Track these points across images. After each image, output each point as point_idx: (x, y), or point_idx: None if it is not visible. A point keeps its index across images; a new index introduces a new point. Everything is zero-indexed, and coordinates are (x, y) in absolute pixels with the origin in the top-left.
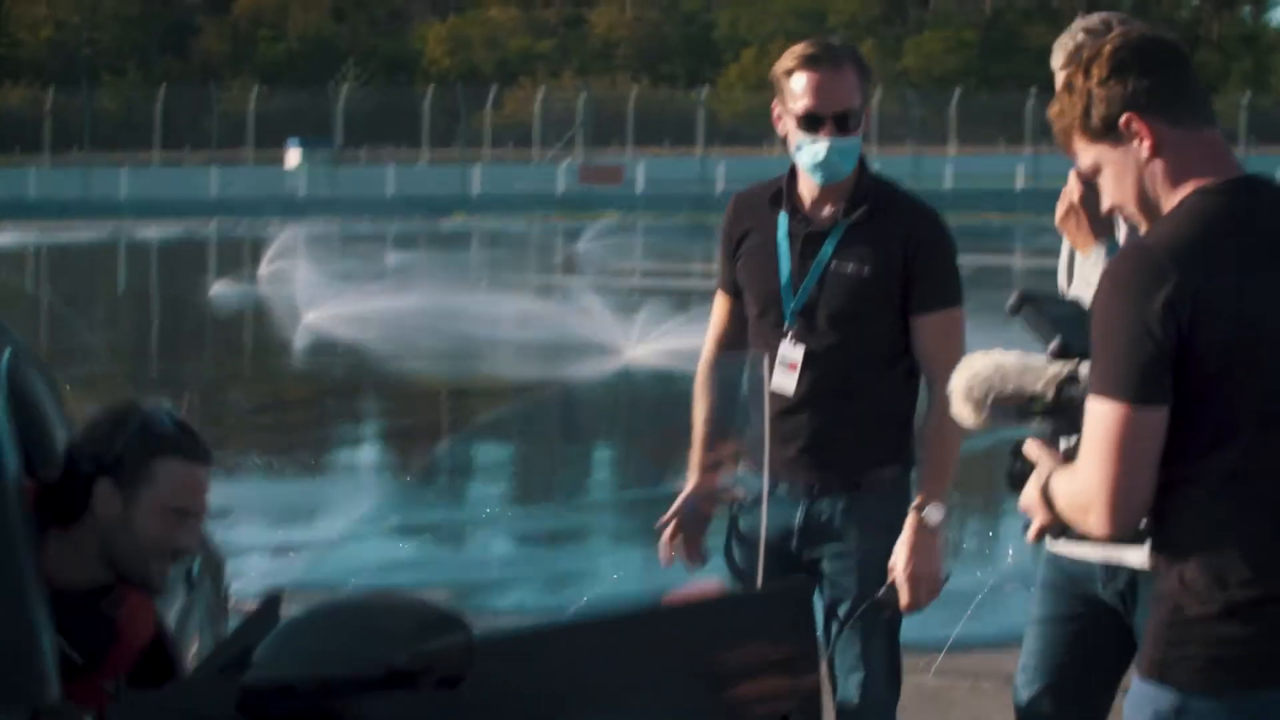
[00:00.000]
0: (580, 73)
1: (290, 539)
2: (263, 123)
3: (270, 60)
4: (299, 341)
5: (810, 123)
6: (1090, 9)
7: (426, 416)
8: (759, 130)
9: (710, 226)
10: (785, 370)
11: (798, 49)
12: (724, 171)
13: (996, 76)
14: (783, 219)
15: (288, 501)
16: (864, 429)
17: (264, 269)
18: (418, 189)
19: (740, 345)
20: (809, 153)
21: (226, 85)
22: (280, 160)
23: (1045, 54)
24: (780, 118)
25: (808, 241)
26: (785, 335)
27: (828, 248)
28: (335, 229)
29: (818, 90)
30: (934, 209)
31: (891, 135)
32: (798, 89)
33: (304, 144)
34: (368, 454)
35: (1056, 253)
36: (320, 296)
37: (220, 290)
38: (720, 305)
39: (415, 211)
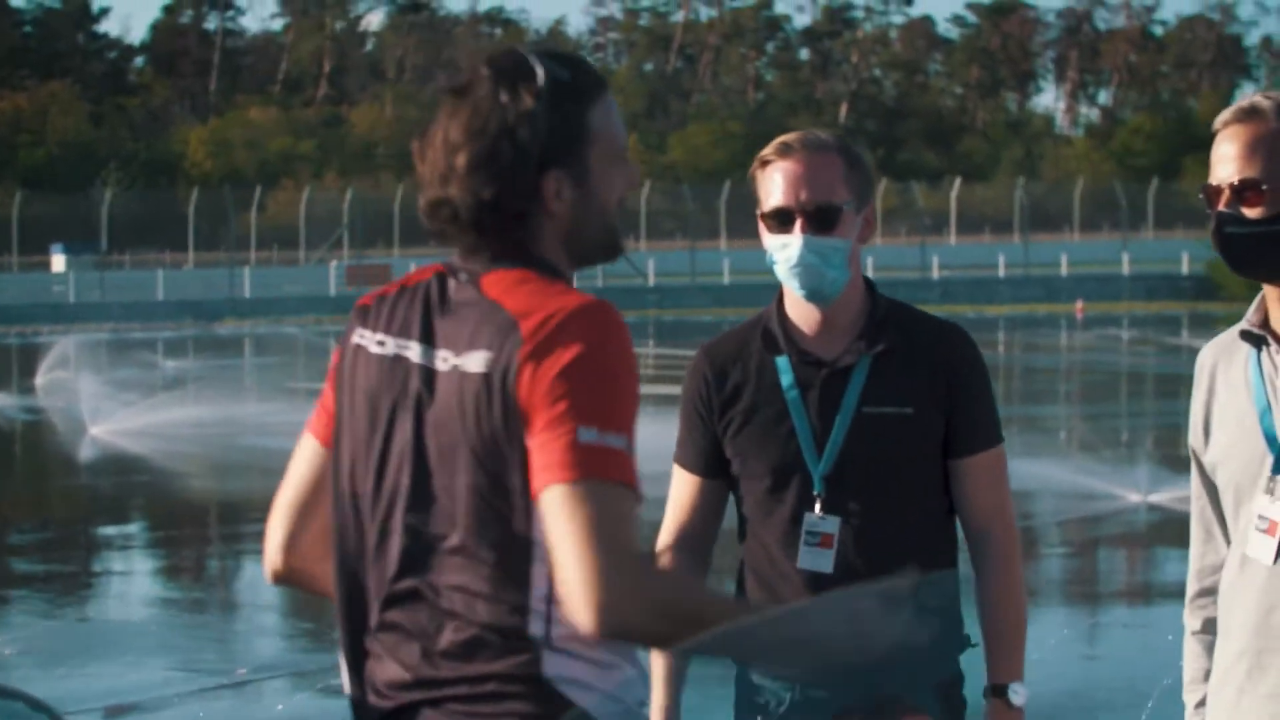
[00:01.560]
0: (343, 173)
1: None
2: (25, 228)
3: (30, 165)
4: (83, 455)
5: (780, 219)
6: (853, 100)
7: (229, 545)
8: None
9: None
10: (816, 548)
11: (775, 141)
12: None
13: None
14: (783, 364)
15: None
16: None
17: (40, 378)
18: (186, 293)
19: (711, 537)
20: (781, 258)
21: None
22: (45, 266)
23: None
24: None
25: (826, 386)
26: (814, 505)
27: (854, 389)
28: (106, 335)
29: (790, 180)
30: (963, 328)
31: (661, 230)
32: (768, 184)
33: (68, 249)
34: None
35: None
36: (101, 409)
37: None
38: (686, 489)
39: (185, 316)
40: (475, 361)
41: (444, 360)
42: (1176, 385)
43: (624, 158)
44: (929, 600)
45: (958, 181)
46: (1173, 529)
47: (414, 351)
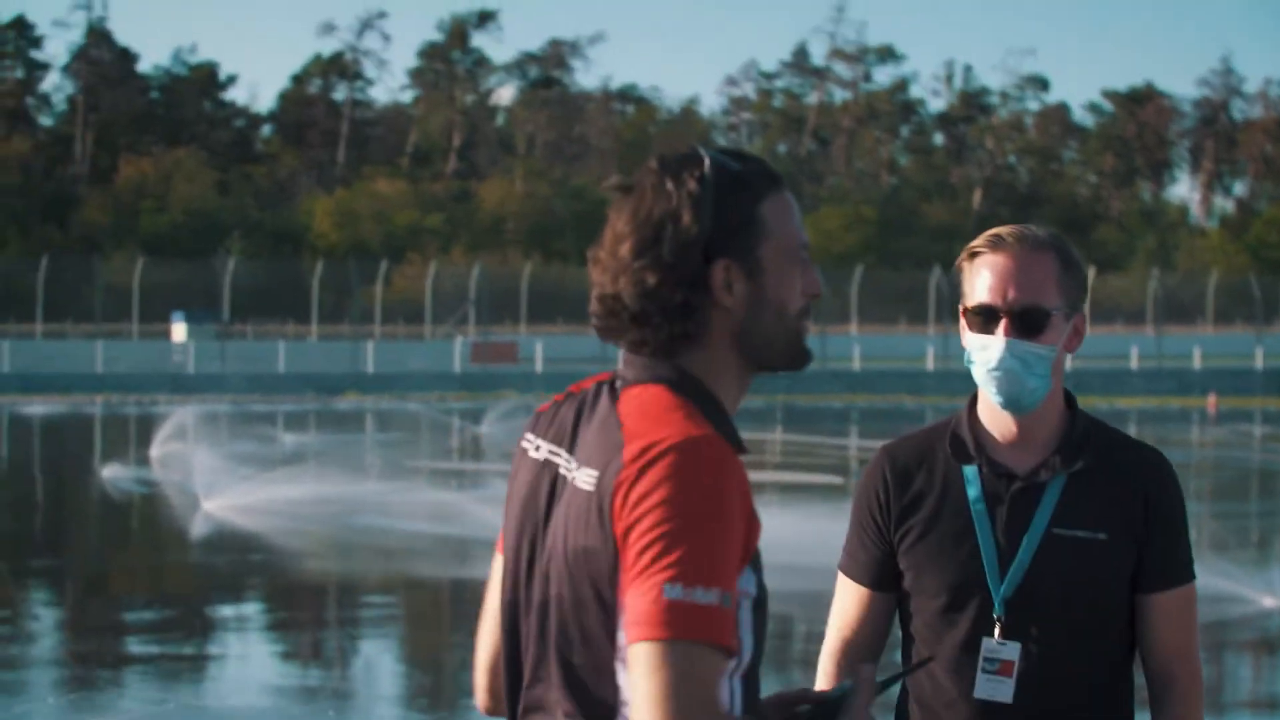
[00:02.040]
0: (470, 248)
1: None
2: (147, 295)
3: (153, 232)
4: (197, 531)
5: (984, 318)
6: (987, 186)
7: (342, 628)
8: None
9: None
10: (995, 676)
11: (986, 233)
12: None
13: (897, 253)
14: (972, 474)
15: None
16: None
17: (156, 450)
18: (308, 366)
19: (878, 651)
20: (980, 360)
21: (109, 257)
22: (165, 334)
23: (943, 231)
24: (964, 332)
25: (1015, 502)
26: (993, 630)
27: (1045, 508)
28: (225, 407)
29: (999, 276)
30: (1163, 454)
31: None
32: (974, 279)
33: (189, 317)
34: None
35: None
36: (217, 483)
37: (112, 474)
38: (852, 602)
39: (307, 389)
40: (586, 478)
41: (570, 470)
42: None
43: (804, 260)
44: None
45: (1092, 271)
46: None
47: (560, 458)
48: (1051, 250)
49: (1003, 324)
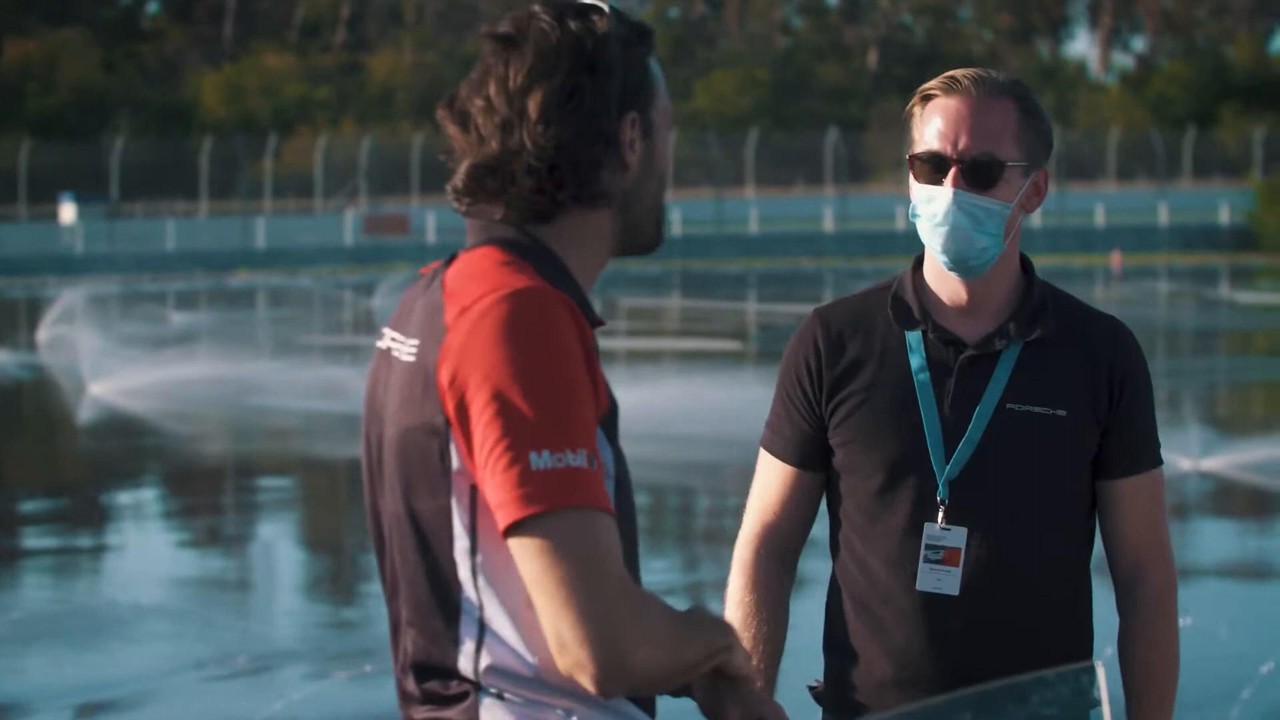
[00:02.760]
0: (360, 121)
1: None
2: (34, 177)
3: (40, 113)
4: (85, 416)
5: (932, 167)
6: (882, 46)
7: (230, 507)
8: None
9: None
10: (938, 566)
11: (943, 75)
12: None
13: (791, 116)
14: (915, 341)
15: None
16: (1050, 644)
17: (42, 333)
18: (198, 244)
19: (800, 540)
20: (925, 213)
21: None
22: (54, 216)
23: (838, 92)
24: (911, 182)
25: (964, 372)
26: (936, 514)
27: (998, 380)
28: (115, 288)
29: (950, 122)
30: (1127, 326)
31: (687, 178)
32: (924, 124)
33: (78, 199)
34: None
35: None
36: (106, 366)
37: None
38: (776, 481)
39: (197, 268)
40: (408, 350)
41: (398, 348)
42: (1216, 341)
43: (670, 130)
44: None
45: None
46: (1225, 499)
47: (393, 341)
48: (1011, 97)
49: (951, 174)
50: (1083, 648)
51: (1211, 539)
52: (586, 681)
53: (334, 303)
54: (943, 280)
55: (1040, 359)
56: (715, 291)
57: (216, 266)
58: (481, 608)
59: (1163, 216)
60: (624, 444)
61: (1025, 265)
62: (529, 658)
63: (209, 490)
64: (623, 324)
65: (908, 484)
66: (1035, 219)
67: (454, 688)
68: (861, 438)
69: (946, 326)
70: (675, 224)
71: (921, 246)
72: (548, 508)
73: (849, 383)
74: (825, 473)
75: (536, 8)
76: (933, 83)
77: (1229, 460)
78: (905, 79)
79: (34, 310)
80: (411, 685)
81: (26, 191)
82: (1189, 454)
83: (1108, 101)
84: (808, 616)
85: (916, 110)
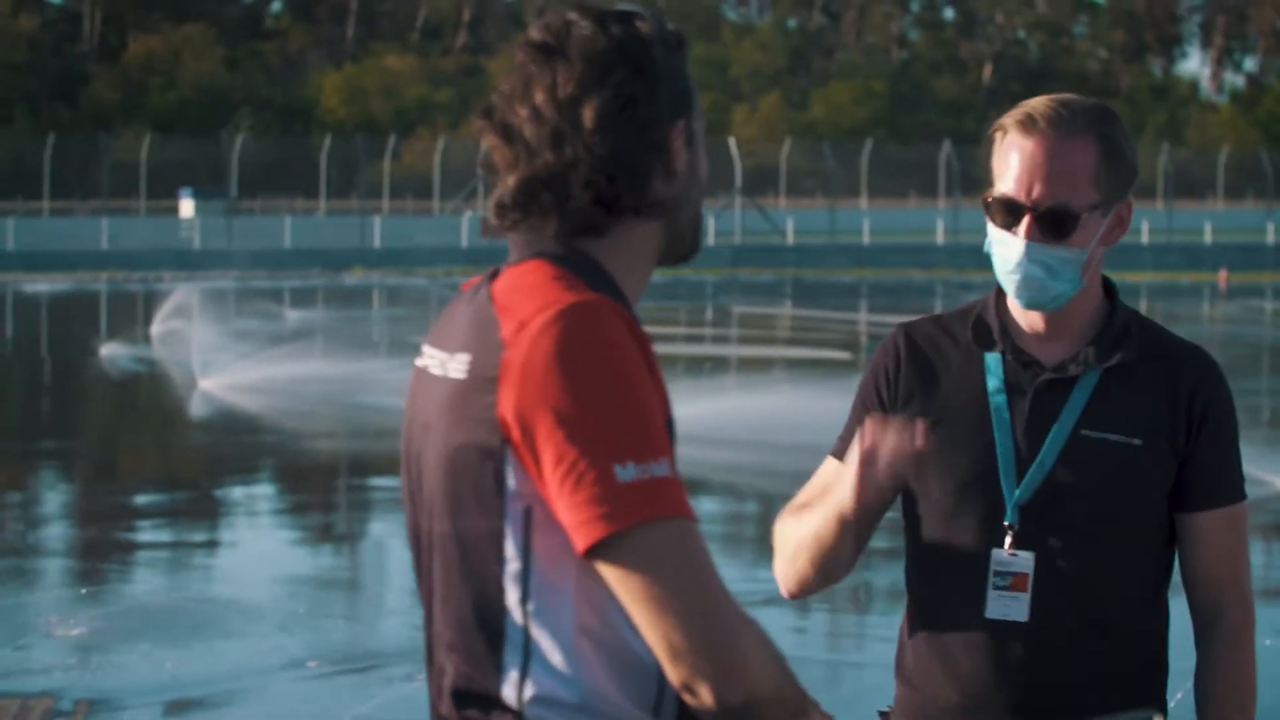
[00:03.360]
0: None
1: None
2: (155, 173)
3: (162, 109)
4: (194, 411)
5: (1005, 212)
6: (997, 61)
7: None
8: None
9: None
10: (1007, 594)
11: (1023, 105)
12: None
13: (906, 128)
14: (994, 363)
15: (187, 621)
16: (1119, 676)
17: (157, 328)
18: (315, 242)
19: (853, 560)
20: (999, 256)
21: (117, 135)
22: (173, 212)
23: (953, 106)
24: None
25: (1040, 396)
26: (1004, 540)
27: (1074, 405)
28: (231, 284)
29: (1026, 166)
30: (1209, 354)
31: (801, 188)
32: (1001, 161)
33: (197, 195)
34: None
35: None
36: (216, 361)
37: (110, 352)
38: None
39: (313, 265)
40: (458, 366)
41: (441, 366)
42: None
43: (704, 139)
44: None
45: None
46: None
47: (434, 359)
48: (1091, 135)
49: (1025, 224)
50: (1155, 682)
51: None
52: (705, 690)
53: (448, 303)
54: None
55: (1119, 386)
56: (826, 301)
57: (333, 265)
58: (528, 634)
59: (1270, 236)
60: (727, 450)
61: (1109, 289)
62: (577, 687)
63: (319, 488)
64: (734, 331)
65: (977, 507)
66: (1143, 236)
67: (495, 717)
68: (933, 457)
69: (1025, 349)
70: (789, 233)
71: None
72: (641, 520)
73: (926, 398)
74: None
75: (572, 15)
76: (1011, 115)
77: None
78: (1019, 94)
79: (149, 304)
80: (448, 710)
81: (147, 187)
82: None
83: (1218, 120)
84: (888, 639)
85: (997, 137)
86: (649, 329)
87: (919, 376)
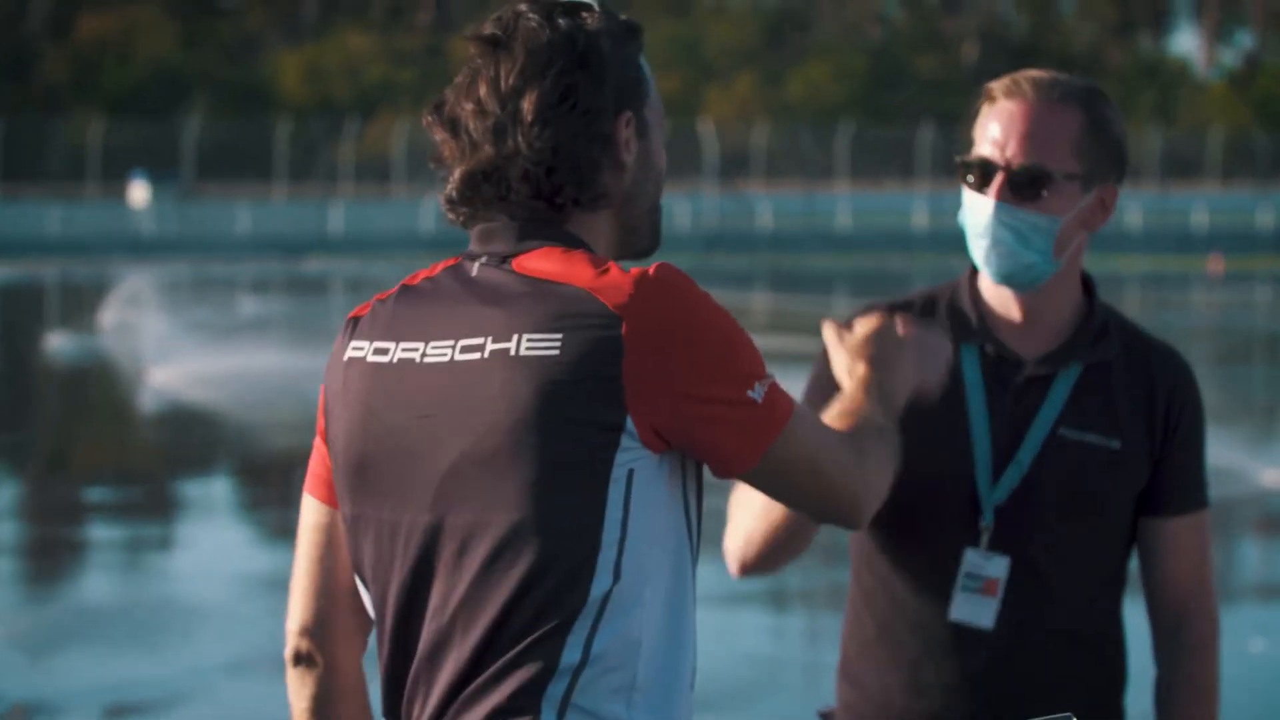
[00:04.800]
0: None
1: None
2: (108, 156)
3: (115, 90)
4: (145, 404)
5: (978, 174)
6: (981, 38)
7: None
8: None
9: None
10: (976, 596)
11: (1013, 74)
12: None
13: (887, 108)
14: (971, 356)
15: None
16: (1082, 686)
17: (108, 317)
18: (273, 228)
19: (795, 552)
20: (969, 224)
21: (68, 116)
22: (125, 195)
23: (935, 85)
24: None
25: (1020, 393)
26: (978, 540)
27: (1053, 403)
28: (185, 271)
29: (1005, 126)
30: (1183, 356)
31: (777, 170)
32: (982, 127)
33: (151, 178)
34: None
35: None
36: (169, 352)
37: (59, 343)
38: None
39: (270, 252)
40: (529, 345)
41: (453, 353)
42: None
43: (663, 129)
44: None
45: None
46: None
47: (424, 352)
48: (1077, 105)
49: (996, 183)
50: (1115, 692)
51: None
52: (867, 511)
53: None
54: (997, 293)
55: (1098, 385)
56: (803, 288)
57: (291, 251)
58: (595, 631)
59: (1265, 219)
60: None
61: (1088, 286)
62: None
63: (275, 483)
64: None
65: (950, 506)
66: (1134, 219)
67: None
68: (906, 453)
69: (1005, 343)
70: (765, 217)
71: None
72: (782, 429)
73: None
74: None
75: (522, 7)
76: (998, 82)
77: None
78: (1004, 72)
79: (98, 293)
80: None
81: (101, 170)
82: (1278, 465)
83: (1211, 99)
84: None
85: (984, 106)
86: None
87: None
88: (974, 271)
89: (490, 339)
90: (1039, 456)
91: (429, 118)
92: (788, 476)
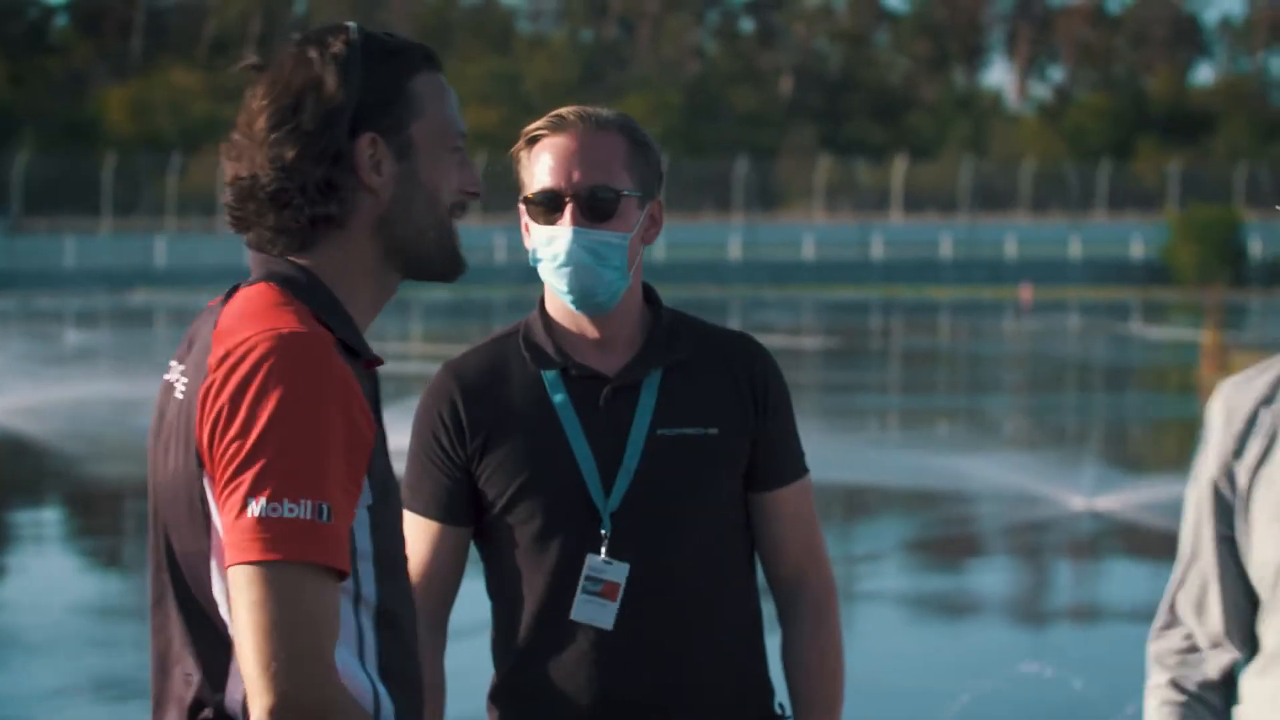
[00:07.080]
0: None
1: None
2: None
3: None
4: None
5: (547, 206)
6: (796, 73)
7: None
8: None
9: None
10: (596, 598)
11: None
12: None
13: (703, 142)
14: (553, 380)
15: None
16: (724, 668)
17: None
18: (98, 261)
19: (451, 597)
20: (546, 255)
21: None
22: None
23: (752, 118)
24: (526, 228)
25: (610, 405)
26: (599, 548)
27: (645, 407)
28: (12, 304)
29: (561, 158)
30: (757, 340)
31: None
32: (534, 165)
33: None
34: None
35: (773, 328)
36: None
37: None
38: (422, 540)
39: (96, 285)
40: (181, 388)
41: (177, 383)
42: (1126, 377)
43: (461, 151)
44: None
45: (904, 159)
46: (1119, 539)
47: (175, 374)
48: (617, 130)
49: (568, 211)
50: (758, 671)
51: (1101, 579)
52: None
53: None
54: (571, 319)
55: (682, 382)
56: None
57: (117, 284)
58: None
59: (1075, 250)
60: None
61: (649, 295)
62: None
63: (103, 512)
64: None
65: (570, 522)
66: (946, 249)
67: None
68: (517, 484)
69: (585, 363)
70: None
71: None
72: (256, 558)
73: (493, 432)
74: (471, 526)
75: (295, 35)
76: (537, 123)
77: (1125, 499)
78: (820, 106)
79: None
80: None
81: None
82: (1084, 492)
83: (1023, 132)
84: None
85: (524, 155)
86: (418, 345)
87: (484, 410)
88: (541, 308)
89: (182, 375)
90: (644, 459)
91: (223, 144)
92: (237, 617)
